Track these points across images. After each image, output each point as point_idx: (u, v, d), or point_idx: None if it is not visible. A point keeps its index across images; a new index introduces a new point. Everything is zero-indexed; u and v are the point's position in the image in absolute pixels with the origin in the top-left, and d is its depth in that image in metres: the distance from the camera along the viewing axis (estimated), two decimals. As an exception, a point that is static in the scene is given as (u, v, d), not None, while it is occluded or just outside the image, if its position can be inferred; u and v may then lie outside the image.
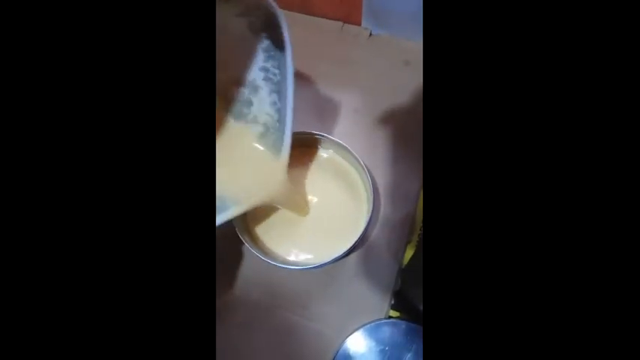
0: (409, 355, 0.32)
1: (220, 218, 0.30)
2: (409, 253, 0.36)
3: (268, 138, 0.31)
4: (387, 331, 0.33)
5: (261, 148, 0.32)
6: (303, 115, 0.39)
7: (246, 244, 0.33)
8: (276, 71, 0.27)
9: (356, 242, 0.33)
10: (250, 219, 0.36)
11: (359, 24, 0.46)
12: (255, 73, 0.28)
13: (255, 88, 0.28)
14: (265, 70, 0.27)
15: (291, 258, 0.35)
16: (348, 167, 0.37)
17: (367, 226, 0.33)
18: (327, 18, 0.46)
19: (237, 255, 0.37)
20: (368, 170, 0.35)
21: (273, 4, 0.24)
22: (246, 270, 0.37)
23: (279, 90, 0.28)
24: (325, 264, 0.32)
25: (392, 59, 0.44)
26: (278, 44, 0.25)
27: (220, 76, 0.27)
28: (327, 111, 0.42)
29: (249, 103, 0.29)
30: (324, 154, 0.38)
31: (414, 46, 0.43)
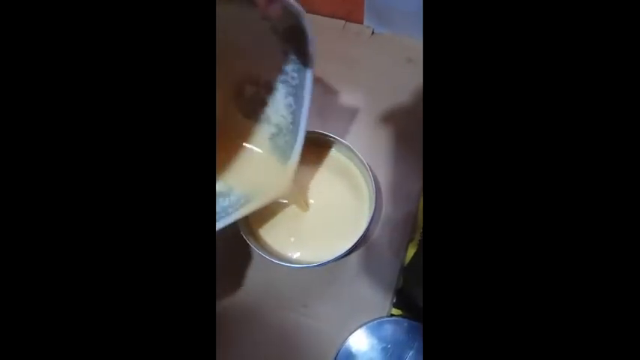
0: (411, 353, 0.33)
1: (225, 221, 0.30)
2: (411, 252, 0.36)
3: (280, 139, 0.31)
4: (389, 329, 0.33)
5: (271, 148, 0.32)
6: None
7: (248, 242, 0.33)
8: (295, 75, 0.27)
9: (358, 241, 0.33)
10: (253, 217, 0.36)
11: (361, 22, 0.45)
12: (272, 75, 0.27)
13: (271, 89, 0.28)
14: (284, 72, 0.27)
15: (293, 256, 0.35)
16: (351, 166, 0.37)
17: (369, 225, 0.33)
18: (329, 16, 0.46)
19: (239, 253, 0.37)
20: (370, 169, 0.35)
21: (304, 19, 0.23)
22: (249, 268, 0.37)
23: (295, 93, 0.28)
24: (327, 262, 0.32)
25: (394, 57, 0.44)
26: (301, 52, 0.25)
27: (235, 73, 0.27)
28: (328, 109, 0.42)
29: (263, 103, 0.29)
30: (326, 152, 0.38)
31: (416, 44, 0.43)
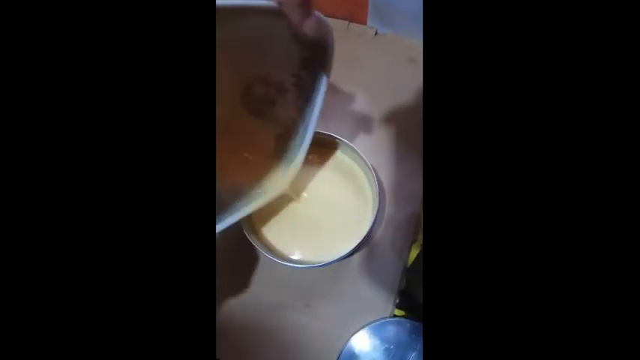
0: (414, 354, 0.32)
1: (229, 220, 0.30)
2: (414, 253, 0.36)
3: (286, 139, 0.31)
4: (391, 330, 0.33)
5: (275, 147, 0.32)
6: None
7: (252, 242, 0.33)
8: (309, 80, 0.27)
9: (361, 241, 0.33)
10: (256, 217, 0.36)
11: (364, 23, 0.45)
12: (285, 77, 0.27)
13: (283, 91, 0.28)
14: (298, 77, 0.27)
15: (296, 256, 0.35)
16: (354, 166, 0.37)
17: (372, 226, 0.33)
18: (332, 17, 0.46)
19: (243, 253, 0.37)
20: (373, 169, 0.35)
21: (332, 35, 0.23)
22: (252, 268, 0.37)
23: (307, 97, 0.28)
24: (330, 263, 0.32)
25: (397, 58, 0.44)
26: (319, 61, 0.25)
27: (246, 72, 0.26)
28: (331, 109, 0.42)
29: (272, 103, 0.29)
30: (329, 153, 0.38)
31: (419, 44, 0.43)
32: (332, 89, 0.43)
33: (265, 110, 0.29)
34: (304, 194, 0.37)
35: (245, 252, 0.37)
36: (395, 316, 0.35)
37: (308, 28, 0.22)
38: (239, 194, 0.31)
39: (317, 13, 0.21)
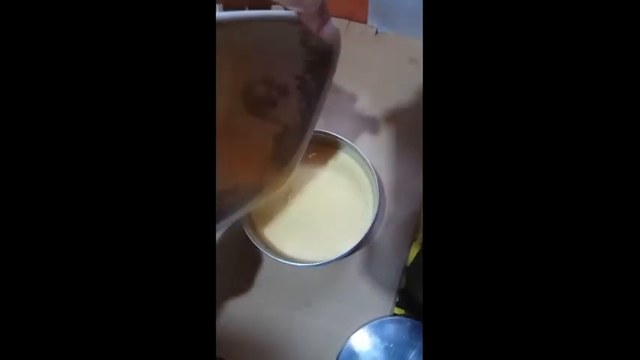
0: (414, 353, 0.33)
1: (230, 219, 0.30)
2: (414, 252, 0.37)
3: (284, 138, 0.31)
4: (391, 329, 0.34)
5: (274, 146, 0.32)
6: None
7: (253, 241, 0.33)
8: (313, 83, 0.27)
9: (361, 240, 0.33)
10: (257, 216, 0.37)
11: (365, 22, 0.45)
12: (289, 79, 0.27)
13: (285, 93, 0.28)
14: (302, 79, 0.27)
15: (297, 255, 0.35)
16: (355, 166, 0.38)
17: (373, 225, 0.33)
18: (332, 16, 0.46)
19: (243, 251, 0.37)
20: (374, 169, 0.35)
21: (340, 41, 0.24)
22: (252, 266, 0.37)
23: (309, 99, 0.28)
24: (331, 261, 0.33)
25: (397, 57, 0.44)
26: (324, 65, 0.25)
27: (248, 72, 0.26)
28: (332, 109, 0.42)
29: (273, 104, 0.29)
30: (330, 152, 0.38)
31: (419, 44, 0.43)
32: (332, 88, 0.43)
33: (266, 110, 0.29)
34: (305, 193, 0.37)
35: (246, 251, 0.37)
36: (395, 314, 0.35)
37: (328, 33, 0.22)
38: (238, 193, 0.31)
39: (332, 20, 0.22)
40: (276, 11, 0.20)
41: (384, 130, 0.41)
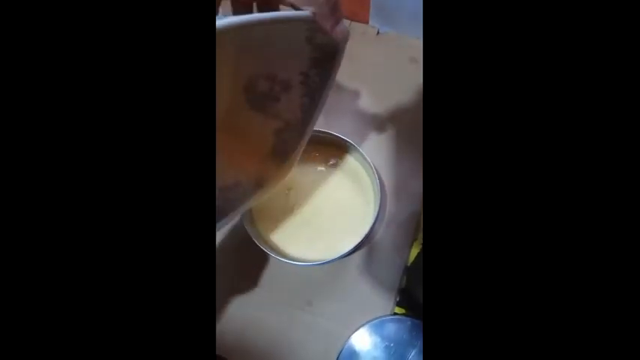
0: (414, 352, 0.33)
1: (233, 216, 0.30)
2: (414, 252, 0.37)
3: (285, 134, 0.31)
4: (392, 328, 0.34)
5: (274, 142, 0.32)
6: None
7: (254, 239, 0.33)
8: (317, 79, 0.27)
9: (362, 240, 0.33)
10: (258, 215, 0.37)
11: (366, 22, 0.46)
12: (292, 75, 0.27)
13: (288, 88, 0.28)
14: (305, 75, 0.27)
15: (298, 254, 0.35)
16: (356, 165, 0.38)
17: (374, 224, 0.33)
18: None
19: (244, 251, 0.37)
20: (375, 168, 0.35)
21: (345, 41, 0.24)
22: (254, 265, 0.37)
23: (312, 95, 0.28)
24: (332, 261, 0.33)
25: (399, 57, 0.44)
26: (329, 62, 0.25)
27: (252, 67, 0.27)
28: (333, 108, 0.42)
29: (275, 100, 0.29)
30: (332, 151, 0.38)
31: (420, 43, 0.43)
32: (333, 88, 0.43)
33: (267, 106, 0.29)
34: (306, 193, 0.37)
35: (247, 250, 0.37)
36: (395, 314, 0.35)
37: (340, 33, 0.23)
38: (239, 189, 0.31)
39: (344, 19, 0.22)
40: (288, 12, 0.20)
41: (385, 129, 0.41)
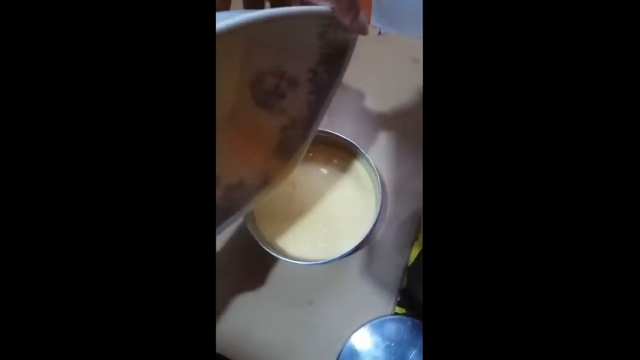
0: (414, 352, 0.33)
1: (237, 215, 0.30)
2: (415, 252, 0.37)
3: (291, 131, 0.31)
4: (392, 328, 0.34)
5: (280, 138, 0.32)
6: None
7: (255, 238, 0.33)
8: (325, 76, 0.27)
9: (363, 240, 0.33)
10: (259, 214, 0.37)
11: (368, 22, 0.46)
12: (300, 71, 0.27)
13: (295, 85, 0.28)
14: (314, 72, 0.27)
15: (299, 254, 0.36)
16: (358, 165, 0.38)
17: (375, 224, 0.33)
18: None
19: (245, 250, 0.37)
20: (376, 168, 0.35)
21: (356, 38, 0.24)
22: (255, 265, 0.37)
23: (319, 92, 0.28)
24: (333, 260, 0.33)
25: (401, 57, 0.44)
26: (339, 58, 0.25)
27: (259, 63, 0.26)
28: (334, 108, 0.41)
29: (282, 96, 0.29)
30: (333, 151, 0.38)
31: (422, 44, 0.43)
32: (335, 88, 0.43)
33: (273, 102, 0.29)
34: (308, 192, 0.37)
35: (248, 249, 0.37)
36: (396, 313, 0.35)
37: (356, 27, 0.22)
38: (243, 188, 0.31)
39: (362, 13, 0.22)
40: (304, 8, 0.20)
41: (386, 129, 0.41)
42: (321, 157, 0.38)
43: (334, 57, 0.25)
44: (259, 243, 0.33)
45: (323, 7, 0.20)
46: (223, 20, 0.16)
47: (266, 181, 0.32)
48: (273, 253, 0.33)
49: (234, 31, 0.16)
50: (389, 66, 0.44)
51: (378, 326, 0.34)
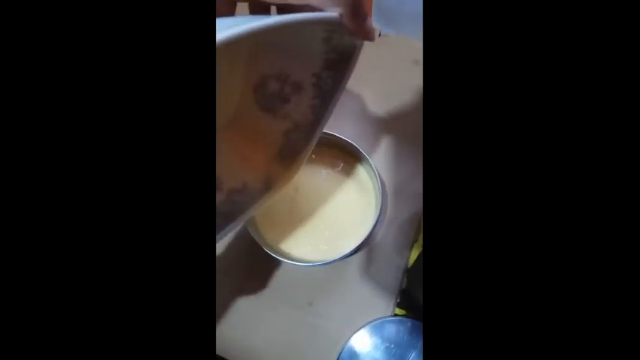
0: (414, 353, 0.33)
1: (241, 219, 0.30)
2: (415, 253, 0.37)
3: (294, 135, 0.31)
4: (392, 329, 0.34)
5: (283, 142, 0.32)
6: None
7: (256, 239, 0.33)
8: (330, 81, 0.27)
9: (363, 241, 0.33)
10: (260, 216, 0.37)
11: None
12: (304, 76, 0.27)
13: (299, 89, 0.28)
14: (318, 77, 0.27)
15: (299, 255, 0.36)
16: (358, 167, 0.38)
17: (375, 226, 0.33)
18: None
19: (246, 251, 0.37)
20: (377, 170, 0.35)
21: (362, 43, 0.24)
22: (255, 266, 0.37)
23: (324, 97, 0.28)
24: (333, 261, 0.33)
25: (401, 59, 0.44)
26: (344, 63, 0.25)
27: (264, 67, 0.26)
28: (335, 110, 0.42)
29: (285, 101, 0.29)
30: (334, 153, 0.38)
31: (422, 45, 0.43)
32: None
33: (277, 106, 0.29)
34: (308, 194, 0.37)
35: (248, 250, 0.37)
36: (396, 315, 0.35)
37: (363, 33, 0.22)
38: (247, 191, 0.31)
39: (368, 19, 0.22)
40: (312, 14, 0.20)
41: (386, 131, 0.41)
42: (322, 159, 0.38)
43: (339, 62, 0.25)
44: (259, 244, 0.33)
45: (330, 14, 0.20)
46: (227, 29, 0.16)
47: (269, 184, 0.32)
48: (274, 255, 0.33)
49: (239, 40, 0.16)
50: (389, 67, 0.44)
51: (377, 327, 0.34)
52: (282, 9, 0.22)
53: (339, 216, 0.36)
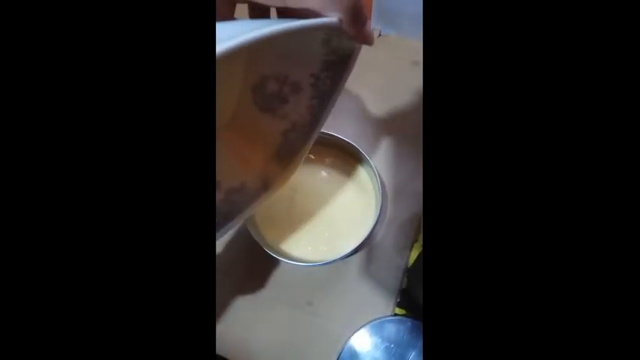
0: (414, 353, 0.33)
1: (240, 218, 0.30)
2: (415, 253, 0.37)
3: (292, 135, 0.31)
4: (392, 329, 0.34)
5: (281, 142, 0.32)
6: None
7: (256, 239, 0.33)
8: (328, 82, 0.27)
9: (363, 241, 0.33)
10: (260, 216, 0.37)
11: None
12: (303, 76, 0.27)
13: (297, 90, 0.28)
14: (316, 77, 0.27)
15: (299, 255, 0.36)
16: (358, 166, 0.38)
17: (375, 225, 0.34)
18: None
19: (246, 251, 0.37)
20: (377, 170, 0.35)
21: (359, 48, 0.24)
22: (255, 265, 0.37)
23: (322, 97, 0.28)
24: (333, 261, 0.33)
25: (401, 59, 0.44)
26: (343, 64, 0.25)
27: (262, 67, 0.26)
28: (334, 110, 0.42)
29: (284, 101, 0.29)
30: (334, 153, 0.38)
31: (422, 46, 0.43)
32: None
33: (275, 107, 0.29)
34: (308, 194, 0.37)
35: (248, 250, 0.37)
36: (396, 314, 0.35)
37: (363, 38, 0.22)
38: (245, 191, 0.31)
39: (368, 23, 0.22)
40: (312, 21, 0.20)
41: (386, 131, 0.41)
42: (321, 159, 0.38)
43: (338, 63, 0.25)
44: (260, 244, 0.33)
45: (330, 19, 0.20)
46: (227, 39, 0.16)
47: (266, 184, 0.32)
48: (274, 254, 0.33)
49: (237, 50, 0.16)
50: (389, 68, 0.44)
51: (377, 327, 0.34)
52: (282, 12, 0.22)
53: (339, 216, 0.37)
